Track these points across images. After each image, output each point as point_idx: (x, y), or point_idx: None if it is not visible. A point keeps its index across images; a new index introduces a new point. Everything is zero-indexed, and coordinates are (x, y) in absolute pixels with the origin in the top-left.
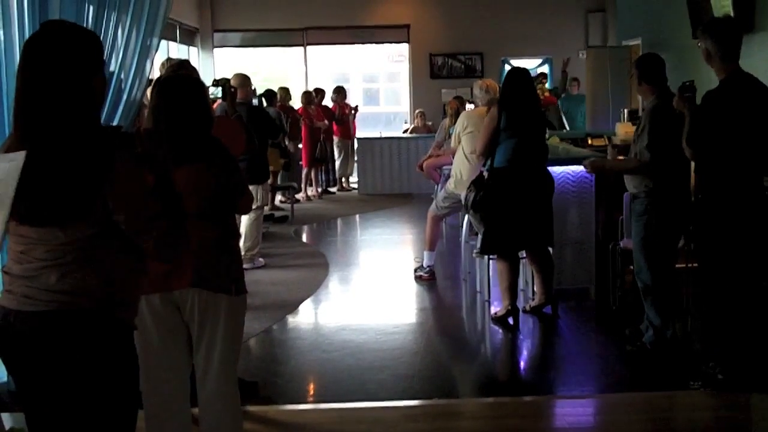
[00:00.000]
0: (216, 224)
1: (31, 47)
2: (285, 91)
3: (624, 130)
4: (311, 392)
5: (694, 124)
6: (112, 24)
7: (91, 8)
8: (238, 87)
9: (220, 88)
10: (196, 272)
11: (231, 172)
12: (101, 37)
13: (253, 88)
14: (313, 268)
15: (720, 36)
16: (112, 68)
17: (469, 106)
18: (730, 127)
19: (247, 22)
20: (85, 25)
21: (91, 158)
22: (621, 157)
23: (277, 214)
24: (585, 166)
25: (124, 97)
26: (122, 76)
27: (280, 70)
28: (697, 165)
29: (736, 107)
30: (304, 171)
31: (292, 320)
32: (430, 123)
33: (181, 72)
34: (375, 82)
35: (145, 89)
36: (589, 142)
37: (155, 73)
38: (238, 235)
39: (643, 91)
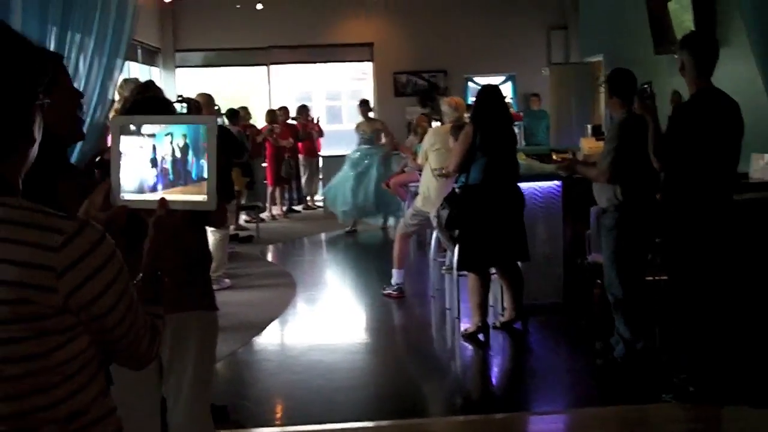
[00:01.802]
0: (187, 245)
1: None
2: (245, 110)
3: (588, 145)
4: (281, 415)
5: (660, 136)
6: (75, 46)
7: (54, 29)
8: (203, 106)
9: (185, 105)
10: (171, 295)
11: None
12: (66, 56)
13: (216, 107)
14: (280, 288)
15: (697, 50)
16: None
17: (435, 124)
18: (699, 141)
19: (209, 41)
20: (47, 44)
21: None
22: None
23: (242, 233)
24: (557, 169)
25: (87, 120)
26: (85, 99)
27: (243, 89)
28: (666, 178)
29: (705, 121)
30: (269, 190)
31: (259, 341)
32: (396, 141)
33: (148, 94)
34: (338, 100)
35: (108, 112)
36: (554, 157)
37: (115, 95)
38: (210, 256)
39: (613, 105)
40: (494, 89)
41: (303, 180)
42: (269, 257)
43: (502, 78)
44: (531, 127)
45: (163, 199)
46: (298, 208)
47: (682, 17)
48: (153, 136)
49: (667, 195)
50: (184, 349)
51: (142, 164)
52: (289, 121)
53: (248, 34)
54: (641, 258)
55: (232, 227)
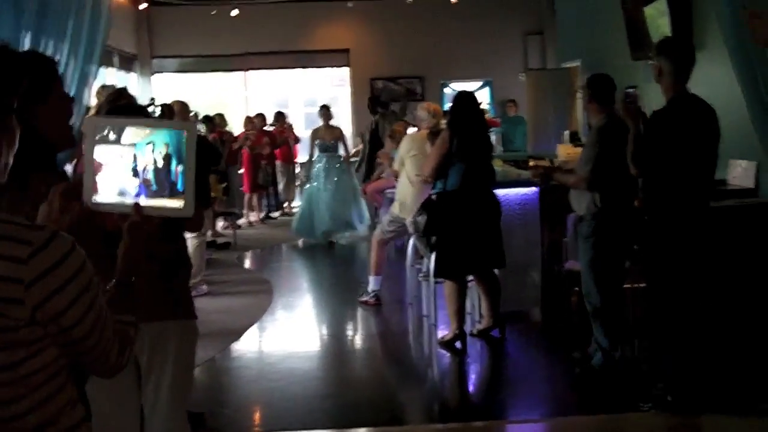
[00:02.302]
0: (163, 253)
1: None
2: (221, 117)
3: (566, 151)
4: (258, 422)
5: (639, 143)
6: (49, 52)
7: (29, 35)
8: (177, 114)
9: (158, 108)
10: (148, 304)
11: None
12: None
13: (192, 113)
14: (258, 295)
15: (675, 56)
16: None
17: (411, 130)
18: (676, 147)
19: (186, 47)
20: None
21: None
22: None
23: (220, 240)
24: (532, 177)
25: None
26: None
27: (220, 95)
28: (644, 185)
29: (682, 128)
30: (246, 196)
31: (237, 348)
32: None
33: (122, 101)
34: (315, 107)
35: (83, 118)
36: (531, 164)
37: (92, 100)
38: (189, 263)
39: (592, 110)
40: (470, 95)
41: (280, 186)
42: (246, 264)
43: (479, 83)
44: (508, 134)
45: (137, 204)
46: (276, 214)
47: (659, 22)
48: (134, 145)
49: (644, 202)
50: (162, 357)
51: (124, 174)
52: (266, 128)
53: (225, 40)
54: (619, 266)
55: (209, 233)
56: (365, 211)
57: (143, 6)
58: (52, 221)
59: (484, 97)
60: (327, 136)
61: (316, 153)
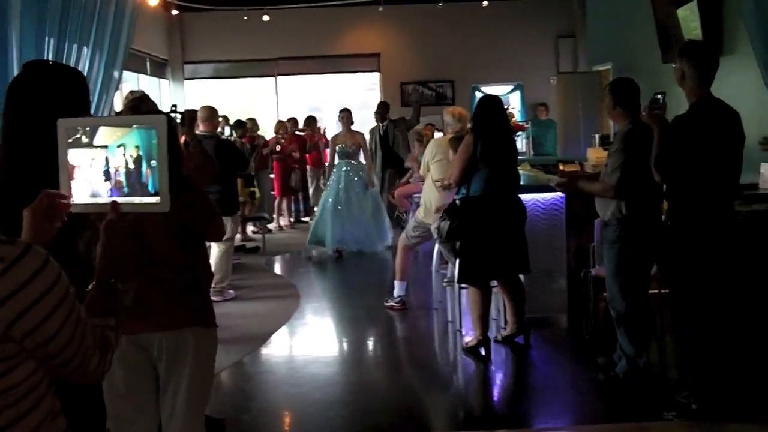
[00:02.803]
0: (184, 262)
1: (15, 88)
2: (252, 121)
3: (595, 155)
4: (278, 429)
5: (662, 148)
6: (73, 56)
7: (52, 41)
8: (205, 120)
9: (178, 115)
10: (165, 313)
11: (200, 207)
12: None
13: (219, 119)
14: (284, 300)
15: (698, 59)
16: None
17: (438, 134)
18: (699, 153)
19: (217, 53)
20: (46, 56)
21: None
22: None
23: (249, 244)
24: (557, 186)
25: None
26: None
27: (252, 100)
28: (667, 190)
29: (705, 132)
30: (276, 201)
31: (260, 354)
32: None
33: (142, 107)
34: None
35: None
36: (561, 168)
37: (118, 106)
38: (210, 272)
39: (617, 116)
40: (494, 99)
41: (310, 191)
42: (275, 268)
43: (510, 87)
44: (539, 137)
45: (114, 202)
46: (306, 219)
47: (690, 24)
48: (105, 147)
49: (669, 208)
50: (180, 365)
51: (96, 177)
52: (297, 132)
53: (256, 45)
54: (644, 272)
55: (239, 237)
56: (387, 228)
57: (175, 12)
58: (35, 228)
59: (515, 101)
60: (348, 141)
61: (337, 159)
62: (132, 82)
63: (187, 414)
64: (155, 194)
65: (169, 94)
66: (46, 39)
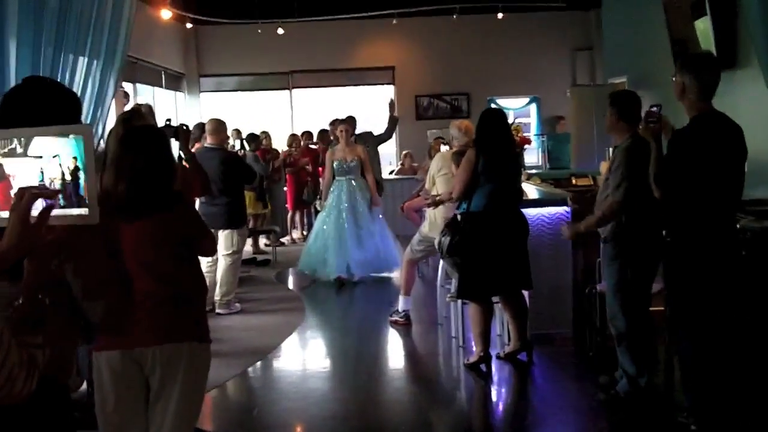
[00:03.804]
0: (176, 276)
1: (11, 100)
2: (265, 135)
3: (608, 168)
4: None
5: (661, 163)
6: (69, 66)
7: (48, 51)
8: (212, 132)
9: (172, 130)
10: (158, 328)
11: (190, 221)
12: (59, 79)
13: (234, 131)
14: (290, 313)
15: (699, 72)
16: None
17: (444, 148)
18: (700, 167)
19: (232, 66)
20: (42, 65)
21: None
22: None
23: (260, 257)
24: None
25: None
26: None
27: (266, 113)
28: (666, 206)
29: (706, 147)
30: (289, 214)
31: (260, 368)
32: (416, 164)
33: (136, 122)
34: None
35: (102, 136)
36: (574, 182)
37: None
38: (204, 287)
39: (620, 129)
40: (497, 113)
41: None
42: (283, 281)
43: (526, 100)
44: (555, 151)
45: (41, 214)
46: None
47: (707, 37)
48: (39, 158)
49: (669, 224)
50: (173, 379)
51: None
52: (311, 146)
53: (271, 59)
54: (645, 289)
55: (250, 250)
56: (396, 254)
57: (190, 25)
58: (20, 231)
59: (532, 114)
60: (347, 156)
61: (336, 176)
62: (147, 95)
63: (175, 428)
64: (85, 206)
65: (185, 107)
66: (42, 50)
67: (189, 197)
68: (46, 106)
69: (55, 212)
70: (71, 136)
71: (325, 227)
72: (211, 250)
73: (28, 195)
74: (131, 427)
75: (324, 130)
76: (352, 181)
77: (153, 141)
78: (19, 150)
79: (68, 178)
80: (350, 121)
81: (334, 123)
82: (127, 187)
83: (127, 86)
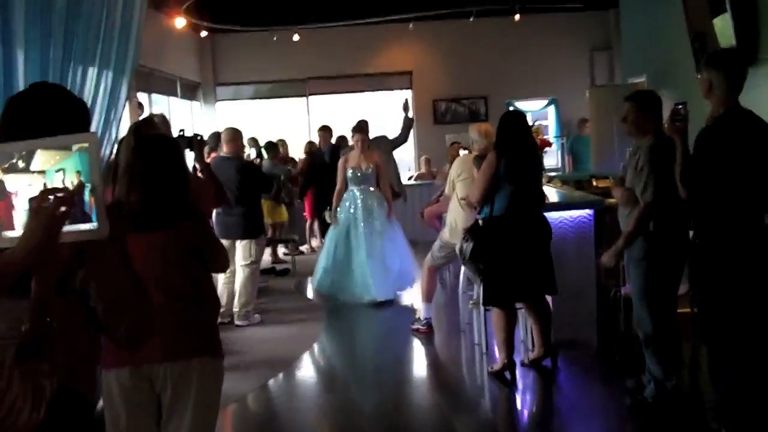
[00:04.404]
0: (186, 291)
1: (16, 106)
2: (282, 143)
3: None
4: None
5: (688, 162)
6: (78, 76)
7: (56, 61)
8: (228, 141)
9: (186, 139)
10: (168, 344)
11: (202, 235)
12: (68, 86)
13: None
14: (309, 323)
15: (727, 68)
16: None
17: (463, 152)
18: (727, 166)
19: (248, 74)
20: (51, 75)
21: None
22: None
23: (279, 267)
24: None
25: None
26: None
27: (284, 121)
28: (694, 206)
29: (734, 144)
30: (308, 222)
31: (280, 380)
32: (434, 169)
33: (148, 131)
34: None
35: (114, 145)
36: (594, 183)
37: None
38: (216, 301)
39: (643, 128)
40: (517, 115)
41: None
42: (303, 291)
43: (545, 102)
44: (579, 153)
45: (59, 219)
46: None
47: (726, 34)
48: (43, 173)
49: (696, 224)
50: (185, 396)
51: None
52: None
53: (287, 66)
54: (672, 291)
55: (269, 260)
56: (413, 270)
57: (204, 34)
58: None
59: (551, 116)
60: (362, 163)
61: (349, 186)
62: (163, 105)
63: None
64: (94, 220)
65: (201, 117)
66: (51, 59)
67: (204, 208)
68: (54, 114)
69: (68, 229)
70: (75, 148)
71: (337, 246)
72: (223, 266)
73: (56, 200)
74: None
75: (342, 136)
76: (368, 192)
77: (166, 150)
78: (21, 165)
79: None
80: (363, 126)
81: (357, 131)
82: (141, 197)
83: (142, 96)
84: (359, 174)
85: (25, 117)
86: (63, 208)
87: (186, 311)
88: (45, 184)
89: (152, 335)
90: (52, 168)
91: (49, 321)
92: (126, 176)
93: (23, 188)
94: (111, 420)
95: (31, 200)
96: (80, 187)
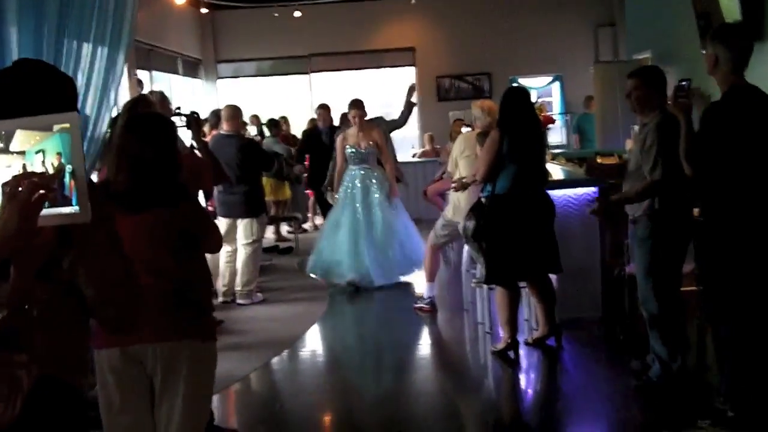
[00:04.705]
0: (176, 272)
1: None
2: (284, 120)
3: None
4: None
5: (692, 139)
6: (73, 53)
7: (51, 38)
8: (228, 119)
9: (183, 118)
10: (158, 324)
11: (194, 216)
12: (62, 67)
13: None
14: (313, 302)
15: (733, 43)
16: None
17: (465, 129)
18: (734, 143)
19: (250, 51)
20: (45, 52)
21: None
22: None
23: (283, 245)
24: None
25: (89, 131)
26: (87, 109)
27: (286, 98)
28: (699, 184)
29: (741, 121)
30: (310, 200)
31: (282, 360)
32: (438, 147)
33: (143, 109)
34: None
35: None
36: (599, 161)
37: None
38: (208, 282)
39: (649, 105)
40: (520, 91)
41: None
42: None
43: (549, 78)
44: (585, 131)
45: (37, 202)
46: None
47: (732, 9)
48: (22, 154)
49: (701, 202)
50: (175, 380)
51: None
52: None
53: (289, 42)
54: (677, 270)
55: (272, 238)
56: (420, 250)
57: (205, 10)
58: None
59: (555, 93)
60: (361, 141)
61: (348, 165)
62: (164, 83)
63: (184, 427)
64: (74, 204)
65: (203, 94)
66: (45, 36)
67: (203, 187)
68: (38, 91)
69: (48, 212)
70: (56, 129)
71: (335, 227)
72: (215, 247)
73: (30, 184)
74: (138, 428)
75: (345, 114)
76: (368, 171)
77: (158, 129)
78: (0, 145)
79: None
80: (359, 103)
81: (354, 104)
82: (129, 176)
83: (143, 74)
84: (359, 152)
85: (8, 95)
86: (39, 192)
87: (175, 293)
88: (24, 166)
89: (140, 318)
90: (32, 149)
91: (28, 309)
92: (115, 155)
93: (2, 170)
94: (104, 402)
95: (4, 185)
96: (59, 170)
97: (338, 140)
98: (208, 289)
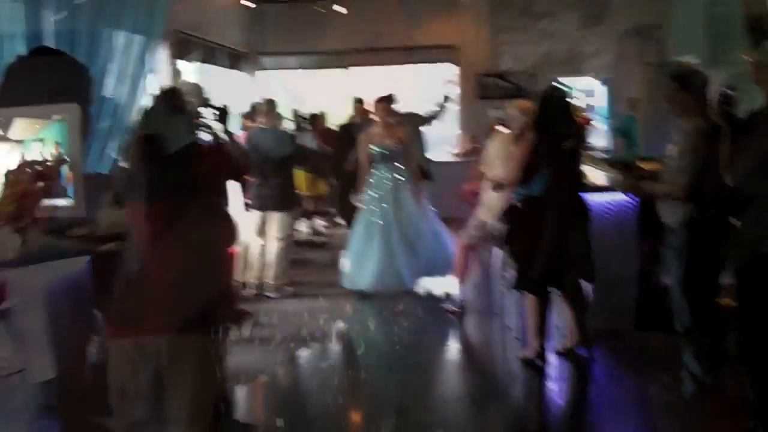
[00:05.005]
0: (187, 265)
1: (15, 71)
2: (323, 115)
3: None
4: None
5: (736, 148)
6: (106, 41)
7: (85, 25)
8: (264, 113)
9: (216, 112)
10: (165, 317)
11: (210, 208)
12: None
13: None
14: (341, 298)
15: None
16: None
17: (499, 128)
18: None
19: (293, 44)
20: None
21: None
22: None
23: (317, 239)
24: (617, 186)
25: (121, 118)
26: (118, 97)
27: (326, 93)
28: (741, 195)
29: None
30: None
31: (306, 355)
32: (479, 146)
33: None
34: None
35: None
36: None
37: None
38: (221, 274)
39: (687, 109)
40: (558, 92)
41: None
42: (339, 264)
43: (595, 80)
44: (629, 134)
45: (37, 193)
46: None
47: None
48: (21, 142)
49: (743, 214)
50: (183, 371)
51: None
52: None
53: (331, 37)
54: (714, 283)
55: (307, 232)
56: (450, 250)
57: (249, 4)
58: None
59: (601, 95)
60: (386, 140)
61: (374, 165)
62: (204, 73)
63: (188, 421)
64: (70, 196)
65: (244, 87)
66: (79, 24)
67: (235, 179)
68: (52, 78)
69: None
70: (55, 119)
71: (367, 234)
72: (229, 239)
73: (33, 173)
74: (150, 416)
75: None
76: (398, 171)
77: (179, 120)
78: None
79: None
80: (386, 99)
81: (382, 101)
82: (146, 166)
83: (183, 65)
84: (384, 152)
85: (24, 81)
86: (41, 183)
87: (184, 285)
88: (23, 154)
89: (152, 309)
90: (31, 138)
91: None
92: (137, 144)
93: (1, 157)
94: (117, 389)
95: (8, 173)
96: (61, 161)
97: (361, 138)
98: (221, 284)
